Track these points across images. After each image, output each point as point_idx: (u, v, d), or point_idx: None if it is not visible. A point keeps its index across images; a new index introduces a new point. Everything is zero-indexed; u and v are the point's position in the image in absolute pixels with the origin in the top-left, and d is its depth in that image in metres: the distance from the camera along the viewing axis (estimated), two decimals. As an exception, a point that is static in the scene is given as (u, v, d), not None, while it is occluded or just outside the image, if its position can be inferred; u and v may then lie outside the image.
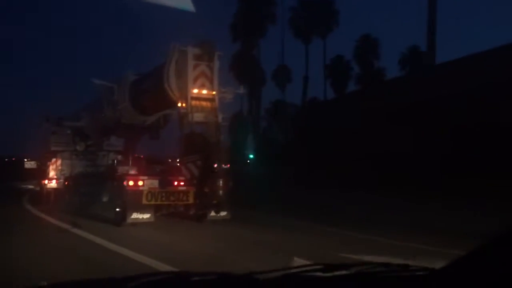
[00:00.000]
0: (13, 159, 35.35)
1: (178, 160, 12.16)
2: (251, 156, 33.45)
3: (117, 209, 10.92)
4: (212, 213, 10.79)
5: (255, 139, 36.46)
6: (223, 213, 10.91)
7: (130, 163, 13.02)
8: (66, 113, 17.59)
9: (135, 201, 10.58)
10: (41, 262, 6.66)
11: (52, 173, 16.98)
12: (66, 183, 15.74)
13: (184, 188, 11.23)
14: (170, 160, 14.19)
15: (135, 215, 10.51)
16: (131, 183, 10.79)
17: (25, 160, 22.81)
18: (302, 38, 41.76)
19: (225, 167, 11.06)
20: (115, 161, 14.36)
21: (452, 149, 16.53)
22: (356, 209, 13.49)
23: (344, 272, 1.72)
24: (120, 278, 1.56)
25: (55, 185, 16.52)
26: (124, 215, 10.56)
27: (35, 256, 7.14)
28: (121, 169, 12.55)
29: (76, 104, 18.91)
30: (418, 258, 5.21)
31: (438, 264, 1.59)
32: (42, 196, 16.85)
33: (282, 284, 1.63)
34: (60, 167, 16.64)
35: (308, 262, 1.72)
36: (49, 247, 8.17)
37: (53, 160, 17.07)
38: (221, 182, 10.74)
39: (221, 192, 10.67)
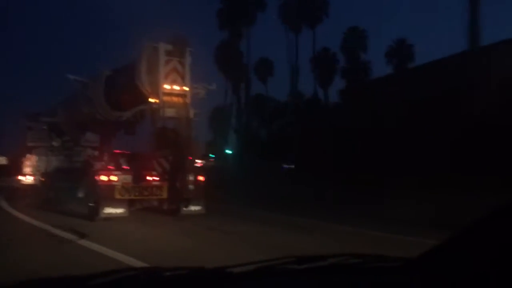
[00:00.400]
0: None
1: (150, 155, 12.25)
2: (229, 151, 33.46)
3: (90, 204, 10.99)
4: (185, 208, 10.95)
5: (236, 134, 36.50)
6: (197, 208, 11.08)
7: (106, 158, 13.05)
8: (43, 109, 17.51)
9: (108, 195, 10.65)
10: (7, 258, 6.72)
11: (27, 169, 16.92)
12: (42, 179, 15.71)
13: (158, 182, 11.34)
14: (145, 155, 14.24)
15: (108, 210, 10.59)
16: (104, 178, 10.86)
17: None
18: (291, 28, 40.18)
19: (198, 161, 11.21)
20: (90, 157, 14.38)
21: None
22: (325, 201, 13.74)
23: (319, 264, 1.71)
24: (86, 276, 1.48)
25: (31, 181, 16.47)
26: (97, 210, 10.63)
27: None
28: (95, 165, 12.60)
29: (51, 100, 18.79)
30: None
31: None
32: (17, 192, 16.78)
33: (256, 277, 1.62)
34: (36, 163, 16.59)
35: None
36: (17, 242, 8.12)
37: (29, 155, 17.01)
38: (192, 177, 10.89)
39: (191, 186, 10.82)
